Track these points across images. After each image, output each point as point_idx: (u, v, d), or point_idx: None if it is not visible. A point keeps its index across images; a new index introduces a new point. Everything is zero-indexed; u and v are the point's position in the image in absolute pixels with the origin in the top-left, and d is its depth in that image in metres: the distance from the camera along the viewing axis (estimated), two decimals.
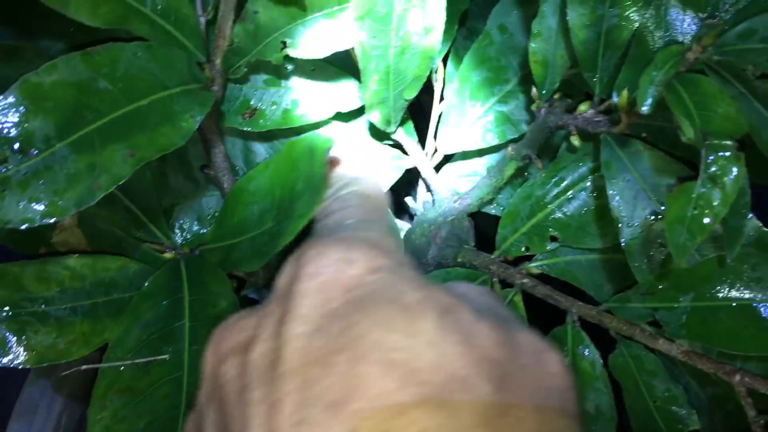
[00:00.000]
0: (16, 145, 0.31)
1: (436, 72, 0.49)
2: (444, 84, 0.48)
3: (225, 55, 0.40)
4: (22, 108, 0.31)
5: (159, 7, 0.37)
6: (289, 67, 0.42)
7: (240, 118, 0.42)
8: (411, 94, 0.41)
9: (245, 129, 0.42)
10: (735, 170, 0.29)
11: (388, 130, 0.43)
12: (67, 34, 0.38)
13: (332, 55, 0.39)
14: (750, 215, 0.35)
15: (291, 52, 0.38)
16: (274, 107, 0.43)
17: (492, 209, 0.47)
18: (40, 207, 0.31)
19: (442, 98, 0.48)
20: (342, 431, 0.19)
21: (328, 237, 0.26)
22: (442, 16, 0.38)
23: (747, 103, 0.32)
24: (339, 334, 0.21)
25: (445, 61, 0.49)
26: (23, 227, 0.31)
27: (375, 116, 0.42)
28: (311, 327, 0.22)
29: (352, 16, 0.37)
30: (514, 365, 0.22)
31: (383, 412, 0.19)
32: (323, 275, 0.23)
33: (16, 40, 0.40)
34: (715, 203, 0.30)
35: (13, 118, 0.31)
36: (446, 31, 0.46)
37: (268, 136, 0.45)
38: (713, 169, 0.30)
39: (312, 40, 0.38)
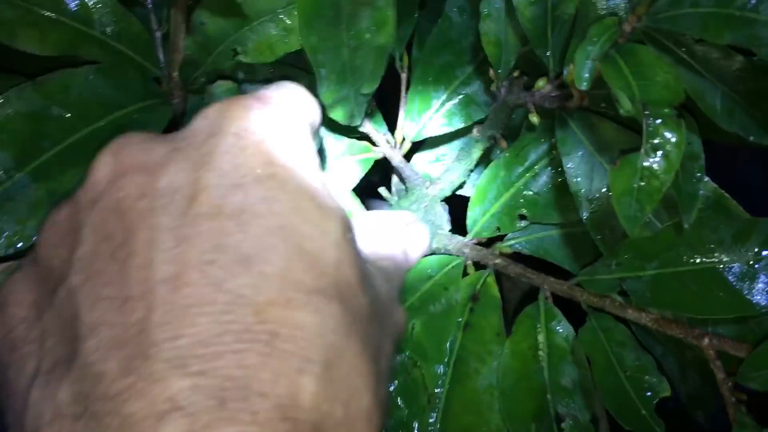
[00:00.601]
0: None
1: (401, 60, 0.49)
2: (409, 71, 0.48)
3: (181, 68, 0.40)
4: None
5: (108, 30, 0.38)
6: (247, 72, 0.42)
7: None
8: (370, 88, 0.41)
9: None
10: (675, 138, 0.29)
11: (353, 124, 0.43)
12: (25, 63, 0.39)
13: (292, 55, 0.39)
14: (706, 178, 0.35)
15: (243, 59, 0.39)
16: None
17: (467, 191, 0.47)
18: (6, 237, 0.33)
19: (409, 85, 0.48)
20: (248, 283, 0.20)
21: (257, 94, 0.26)
22: (393, 12, 0.38)
23: (688, 67, 0.32)
24: (258, 201, 0.22)
25: (409, 47, 0.49)
26: None
27: (338, 113, 0.42)
28: (229, 183, 0.22)
29: (299, 22, 0.37)
30: (377, 300, 0.26)
31: (286, 284, 0.21)
32: (250, 138, 0.23)
33: None
34: (660, 173, 0.30)
35: None
36: (406, 18, 0.46)
37: None
38: (655, 139, 0.30)
39: (262, 45, 0.39)
